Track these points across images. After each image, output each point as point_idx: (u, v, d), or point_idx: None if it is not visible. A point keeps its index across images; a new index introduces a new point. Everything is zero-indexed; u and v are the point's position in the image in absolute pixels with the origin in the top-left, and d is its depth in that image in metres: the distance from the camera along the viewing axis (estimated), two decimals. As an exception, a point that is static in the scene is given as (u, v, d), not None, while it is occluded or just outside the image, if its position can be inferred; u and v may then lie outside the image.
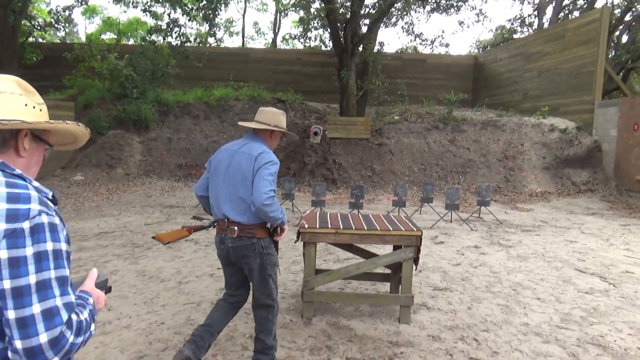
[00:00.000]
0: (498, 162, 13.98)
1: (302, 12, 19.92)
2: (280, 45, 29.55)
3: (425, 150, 14.83)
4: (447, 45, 27.83)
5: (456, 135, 15.24)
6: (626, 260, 6.65)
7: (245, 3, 31.10)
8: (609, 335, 3.99)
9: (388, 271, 4.80)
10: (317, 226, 3.95)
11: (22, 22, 17.66)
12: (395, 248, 4.51)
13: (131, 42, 27.87)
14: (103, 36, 26.38)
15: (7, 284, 1.12)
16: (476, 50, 28.92)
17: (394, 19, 21.36)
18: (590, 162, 13.33)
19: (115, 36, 24.70)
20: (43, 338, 1.13)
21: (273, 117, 3.15)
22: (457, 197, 8.83)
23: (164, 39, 17.83)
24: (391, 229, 3.95)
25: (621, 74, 19.10)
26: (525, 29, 25.13)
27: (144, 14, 17.77)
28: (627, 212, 10.89)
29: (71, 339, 1.19)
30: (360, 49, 17.06)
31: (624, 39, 20.93)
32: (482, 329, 4.06)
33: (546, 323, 4.23)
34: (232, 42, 40.24)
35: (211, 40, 21.97)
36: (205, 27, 20.49)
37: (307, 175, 14.34)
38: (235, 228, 2.91)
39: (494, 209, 11.17)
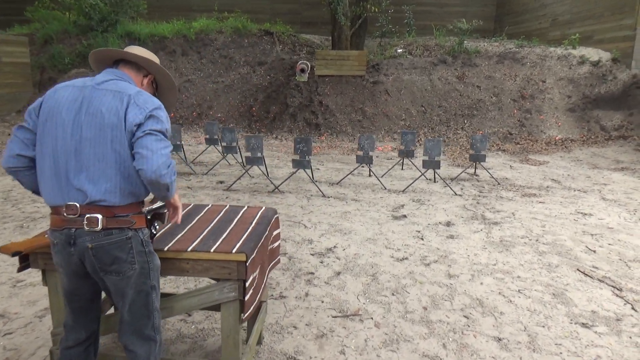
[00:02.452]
0: (512, 103, 11.65)
1: None
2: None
3: (428, 89, 12.57)
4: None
5: (466, 71, 12.85)
6: (656, 250, 4.68)
7: None
8: None
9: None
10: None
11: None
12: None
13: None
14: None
15: None
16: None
17: None
18: (626, 101, 10.86)
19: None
20: None
21: (153, 58, 2.15)
22: (439, 151, 6.83)
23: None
24: (190, 246, 2.14)
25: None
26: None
27: None
28: (668, 167, 8.64)
29: None
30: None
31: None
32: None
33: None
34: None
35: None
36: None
37: (288, 119, 12.43)
38: (99, 216, 1.84)
39: (500, 161, 9.12)
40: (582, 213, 5.88)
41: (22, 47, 13.34)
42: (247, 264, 2.15)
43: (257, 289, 2.35)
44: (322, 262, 4.19)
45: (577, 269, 4.14)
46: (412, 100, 12.38)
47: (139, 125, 1.82)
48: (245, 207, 2.83)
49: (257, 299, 2.37)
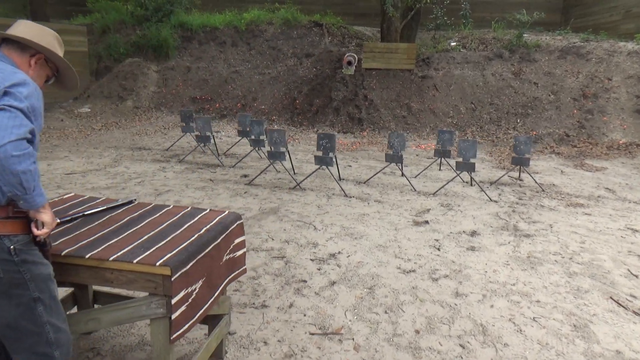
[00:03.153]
0: (572, 102, 10.70)
1: None
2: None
3: (479, 85, 11.83)
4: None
5: (523, 66, 11.97)
6: None
7: None
8: None
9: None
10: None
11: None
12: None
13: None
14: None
15: None
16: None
17: None
18: None
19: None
20: None
21: (43, 33, 1.96)
22: (474, 152, 6.29)
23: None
24: (119, 252, 1.92)
25: None
26: None
27: None
28: None
29: None
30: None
31: None
32: None
33: None
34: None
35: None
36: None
37: (331, 113, 12.13)
38: None
39: (551, 165, 8.38)
40: (632, 229, 5.19)
41: (81, 37, 13.88)
42: (173, 278, 1.90)
43: (195, 305, 2.10)
44: (319, 269, 3.90)
45: (610, 297, 3.58)
46: (462, 97, 11.70)
47: None
48: (207, 211, 2.58)
49: (197, 316, 2.12)
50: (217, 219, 2.45)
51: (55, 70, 2.04)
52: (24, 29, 1.91)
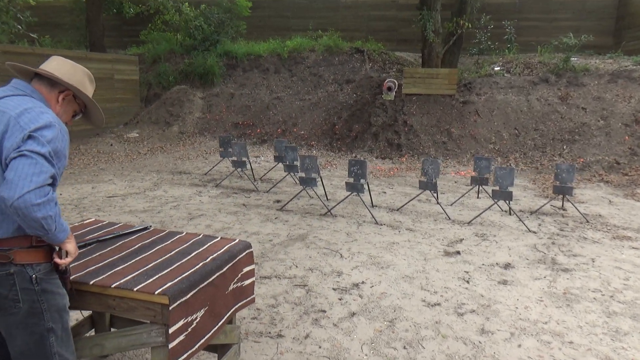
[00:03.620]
0: (624, 128, 10.19)
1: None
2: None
3: (524, 110, 11.50)
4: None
5: (571, 91, 11.56)
6: None
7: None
8: None
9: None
10: None
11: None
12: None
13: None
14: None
15: None
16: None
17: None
18: None
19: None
20: None
21: (73, 71, 2.00)
22: (511, 180, 6.06)
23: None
24: (117, 281, 1.95)
25: None
26: None
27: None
28: None
29: None
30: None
31: None
32: None
33: None
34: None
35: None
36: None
37: (370, 138, 12.10)
38: None
39: (598, 194, 7.96)
40: (685, 266, 4.81)
41: (133, 66, 14.61)
42: (172, 307, 1.91)
43: (196, 334, 2.10)
44: (340, 299, 3.82)
45: (653, 341, 3.31)
46: (505, 122, 11.40)
47: (17, 149, 1.66)
48: (218, 239, 2.60)
49: (197, 345, 2.12)
50: (225, 247, 2.46)
51: (83, 106, 2.10)
52: (56, 65, 1.98)
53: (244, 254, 2.51)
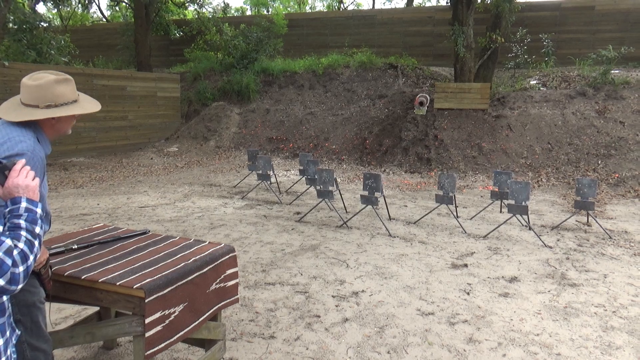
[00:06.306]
0: (663, 143, 9.81)
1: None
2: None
3: (558, 124, 11.28)
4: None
5: (609, 105, 11.26)
6: None
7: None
8: None
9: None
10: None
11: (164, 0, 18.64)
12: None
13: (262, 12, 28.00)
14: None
15: None
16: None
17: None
18: None
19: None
20: None
21: (40, 91, 2.07)
22: (527, 195, 6.03)
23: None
24: (106, 276, 2.23)
25: None
26: None
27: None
28: None
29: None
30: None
31: None
32: None
33: None
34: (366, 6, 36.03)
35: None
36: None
37: (400, 153, 12.19)
38: None
39: (630, 210, 7.74)
40: (703, 284, 4.65)
41: (174, 84, 15.39)
42: (147, 300, 2.16)
43: (174, 327, 2.34)
44: (337, 306, 3.99)
45: (644, 356, 3.28)
46: (538, 137, 11.22)
47: None
48: (205, 243, 2.86)
49: (176, 337, 2.36)
50: (209, 250, 2.71)
51: (75, 99, 2.19)
52: (30, 92, 2.06)
53: (227, 257, 2.75)
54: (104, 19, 25.06)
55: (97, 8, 25.73)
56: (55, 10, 25.04)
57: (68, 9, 23.92)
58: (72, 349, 3.16)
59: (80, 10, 25.47)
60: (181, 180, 9.89)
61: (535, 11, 15.99)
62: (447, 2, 15.61)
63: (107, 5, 22.21)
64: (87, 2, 22.91)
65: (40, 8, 26.09)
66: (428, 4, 25.55)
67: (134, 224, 6.43)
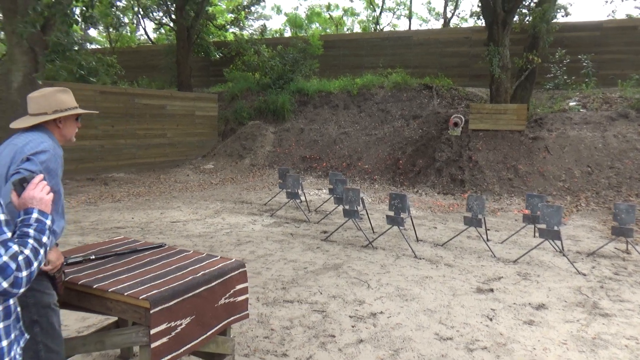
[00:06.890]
0: None
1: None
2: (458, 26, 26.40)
3: (598, 147, 10.89)
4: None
5: (653, 127, 10.80)
6: None
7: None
8: None
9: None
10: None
11: (205, 23, 19.37)
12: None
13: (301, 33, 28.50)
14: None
15: None
16: None
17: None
18: None
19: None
20: None
21: (46, 100, 2.35)
22: (559, 219, 5.82)
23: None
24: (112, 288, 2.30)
25: None
26: None
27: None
28: None
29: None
30: (529, 18, 13.58)
31: None
32: None
33: None
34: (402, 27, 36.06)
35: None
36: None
37: (433, 174, 12.04)
38: None
39: (674, 240, 7.31)
40: None
41: (212, 103, 15.84)
42: (152, 311, 2.22)
43: (180, 339, 2.38)
44: (353, 327, 3.95)
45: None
46: (577, 159, 10.85)
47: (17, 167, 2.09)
48: (217, 257, 2.90)
49: (183, 349, 2.40)
50: (219, 265, 2.75)
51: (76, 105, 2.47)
52: (37, 103, 2.33)
53: (236, 272, 2.79)
54: (150, 41, 26.16)
55: (143, 31, 26.85)
56: (105, 33, 26.38)
57: (116, 32, 25.12)
58: (91, 357, 3.25)
59: (127, 33, 26.75)
60: (214, 197, 10.09)
61: (574, 31, 15.62)
62: (482, 23, 15.46)
63: (153, 29, 23.20)
64: (135, 24, 24.09)
65: (92, 32, 27.54)
66: (465, 25, 25.43)
67: (165, 238, 6.59)
